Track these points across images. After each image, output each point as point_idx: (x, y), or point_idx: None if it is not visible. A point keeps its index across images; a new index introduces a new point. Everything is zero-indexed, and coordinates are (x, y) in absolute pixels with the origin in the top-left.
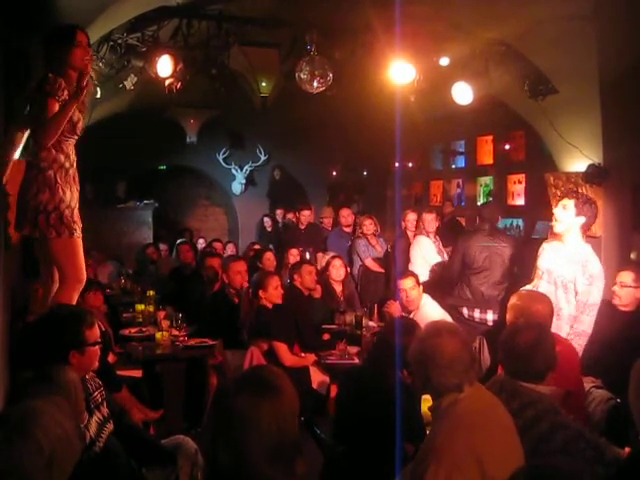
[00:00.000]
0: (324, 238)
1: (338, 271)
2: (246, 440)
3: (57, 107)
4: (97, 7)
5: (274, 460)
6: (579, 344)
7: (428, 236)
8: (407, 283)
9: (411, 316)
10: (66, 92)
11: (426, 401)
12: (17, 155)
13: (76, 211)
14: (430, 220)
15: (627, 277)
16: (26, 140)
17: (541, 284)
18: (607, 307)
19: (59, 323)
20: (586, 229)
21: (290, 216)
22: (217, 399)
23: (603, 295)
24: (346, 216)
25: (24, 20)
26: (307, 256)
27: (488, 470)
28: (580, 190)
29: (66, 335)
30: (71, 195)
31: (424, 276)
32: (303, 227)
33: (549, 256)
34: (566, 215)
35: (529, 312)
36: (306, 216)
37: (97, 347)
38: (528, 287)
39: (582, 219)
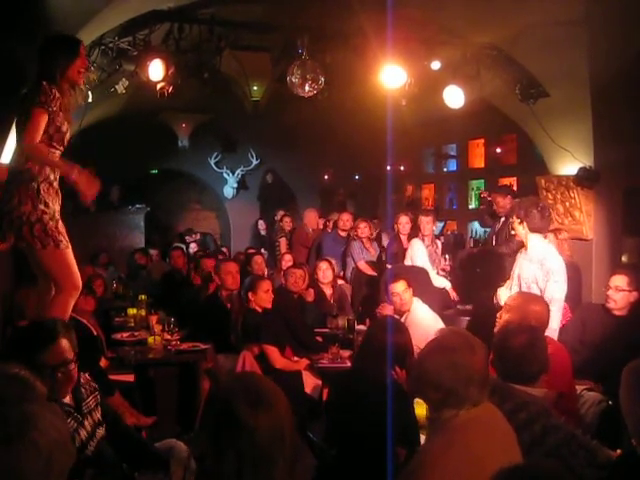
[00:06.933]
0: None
1: (324, 273)
2: (275, 456)
3: (46, 118)
4: (89, 11)
5: (292, 467)
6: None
7: (423, 239)
8: (399, 287)
9: (403, 319)
10: (58, 103)
11: (419, 404)
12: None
13: (60, 222)
14: (426, 223)
15: (621, 281)
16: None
17: (512, 288)
18: (601, 311)
19: (15, 347)
20: (546, 234)
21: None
22: (223, 416)
23: (598, 299)
24: (345, 220)
25: (15, 23)
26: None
27: None
28: (572, 193)
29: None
30: (54, 207)
31: None
32: None
33: (518, 262)
34: (523, 229)
35: (525, 313)
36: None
37: (65, 369)
38: (502, 289)
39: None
